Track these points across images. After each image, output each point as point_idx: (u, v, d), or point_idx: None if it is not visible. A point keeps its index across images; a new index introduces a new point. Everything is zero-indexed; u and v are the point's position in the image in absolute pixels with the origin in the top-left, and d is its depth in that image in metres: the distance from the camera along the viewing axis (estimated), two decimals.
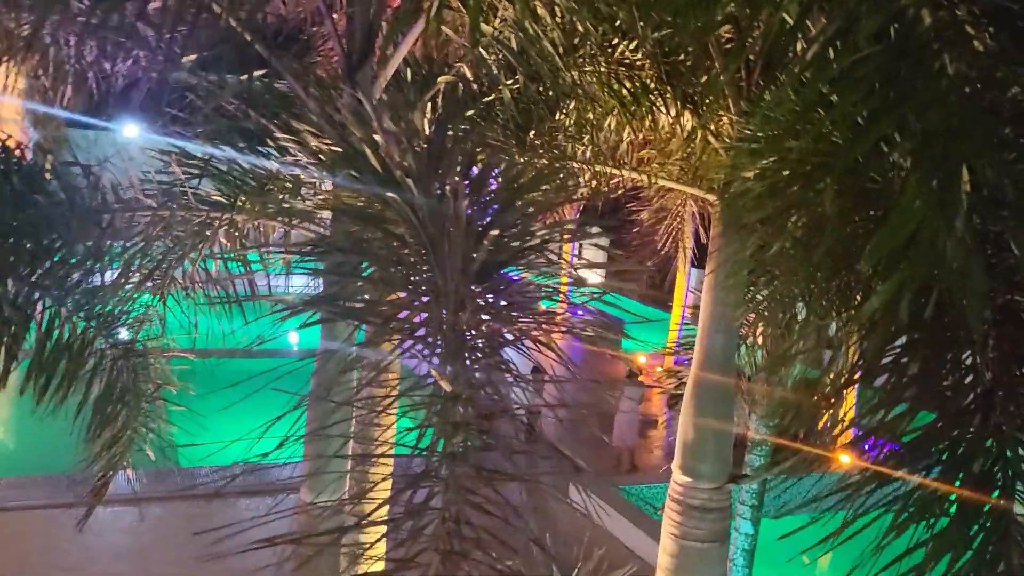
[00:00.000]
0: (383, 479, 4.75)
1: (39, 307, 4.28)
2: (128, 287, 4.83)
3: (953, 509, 3.27)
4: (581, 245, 21.20)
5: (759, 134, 4.59)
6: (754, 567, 8.25)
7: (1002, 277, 2.84)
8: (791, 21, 2.82)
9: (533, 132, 5.54)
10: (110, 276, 4.79)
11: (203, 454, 9.40)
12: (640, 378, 12.82)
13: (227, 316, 5.52)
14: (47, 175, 3.99)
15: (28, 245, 4.03)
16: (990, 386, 2.94)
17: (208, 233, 5.12)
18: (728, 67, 4.87)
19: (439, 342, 3.04)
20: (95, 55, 5.09)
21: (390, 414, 4.06)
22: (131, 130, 7.01)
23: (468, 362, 3.04)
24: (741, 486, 7.87)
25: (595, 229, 19.66)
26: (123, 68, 5.20)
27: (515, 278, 3.98)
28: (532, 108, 5.44)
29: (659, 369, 13.79)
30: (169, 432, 4.82)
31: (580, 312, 4.70)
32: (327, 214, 4.61)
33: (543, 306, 4.42)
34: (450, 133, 4.19)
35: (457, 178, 3.49)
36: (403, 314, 3.32)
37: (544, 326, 3.78)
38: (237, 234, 5.25)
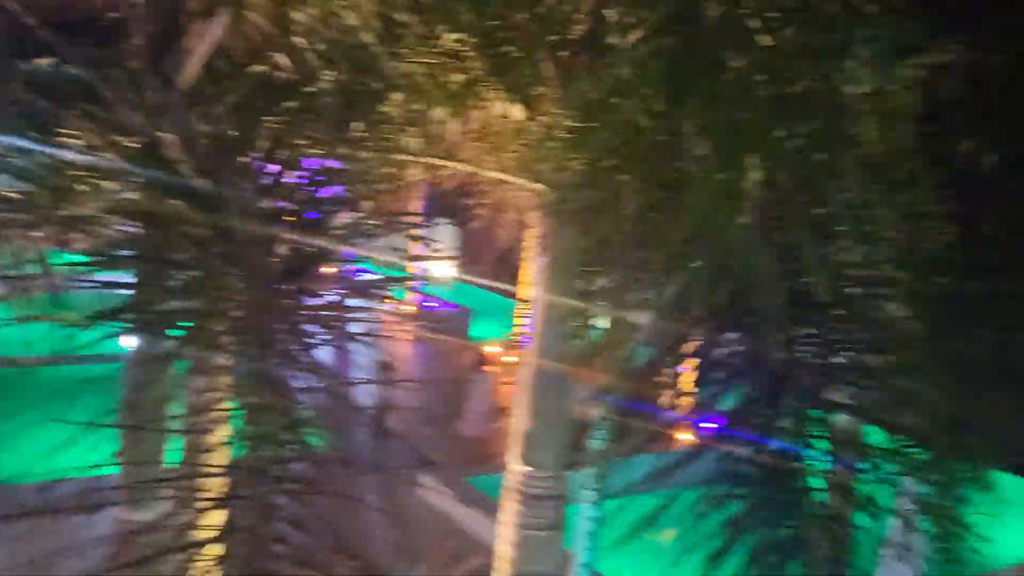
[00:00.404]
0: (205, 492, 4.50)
1: None
2: None
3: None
4: (431, 236, 21.07)
5: (578, 125, 4.64)
6: (601, 546, 8.43)
7: (792, 263, 2.98)
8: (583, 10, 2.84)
9: (358, 124, 5.38)
10: None
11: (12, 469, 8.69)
12: (488, 368, 12.89)
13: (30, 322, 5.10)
14: None
15: None
16: (786, 364, 3.10)
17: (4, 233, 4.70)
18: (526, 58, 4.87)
19: (243, 348, 2.88)
20: None
21: (214, 426, 3.83)
22: None
23: (275, 367, 2.90)
24: (583, 471, 8.01)
25: (443, 221, 19.59)
26: None
27: (356, 272, 3.85)
28: (356, 99, 5.28)
29: (508, 358, 13.92)
30: None
31: (427, 305, 4.56)
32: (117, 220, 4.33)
33: (391, 299, 4.27)
34: (262, 126, 4.00)
35: (261, 173, 3.32)
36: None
37: (378, 321, 3.67)
38: (35, 236, 4.84)
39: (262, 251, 2.80)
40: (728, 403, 4.05)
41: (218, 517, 4.15)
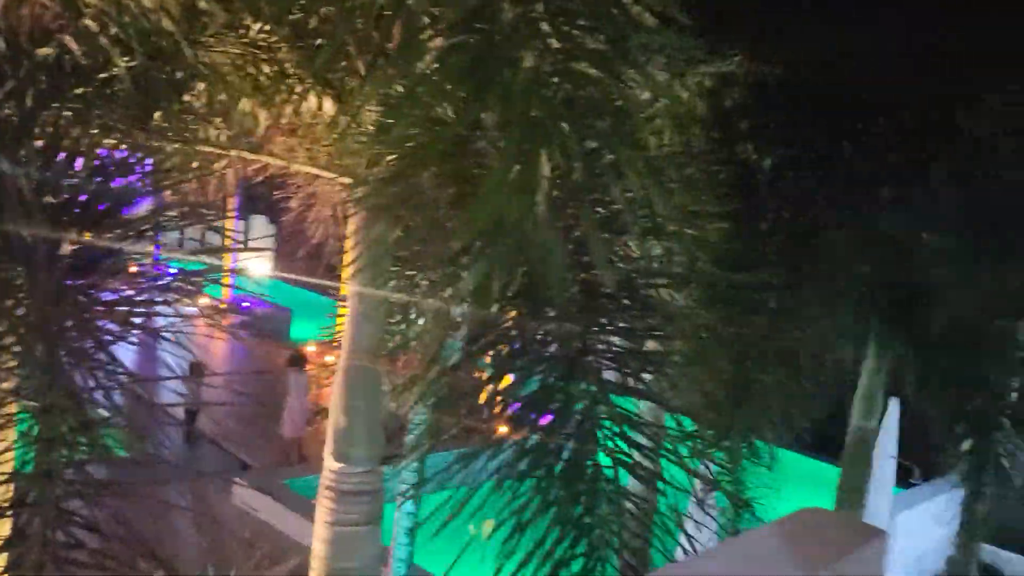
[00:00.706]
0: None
1: None
2: None
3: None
4: (247, 235, 20.33)
5: (388, 120, 4.69)
6: (420, 541, 8.51)
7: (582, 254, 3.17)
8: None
9: (159, 114, 5.17)
10: None
11: None
12: (307, 368, 12.65)
13: None
14: None
15: None
16: (578, 351, 3.28)
17: None
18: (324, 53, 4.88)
19: (28, 347, 2.73)
20: None
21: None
22: None
23: (64, 367, 2.76)
24: (400, 466, 8.06)
25: (258, 218, 18.97)
26: None
27: (169, 270, 3.72)
28: (155, 88, 5.06)
29: (327, 358, 13.71)
30: None
31: (243, 304, 4.45)
32: None
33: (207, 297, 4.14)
34: (46, 112, 3.79)
35: (47, 162, 3.17)
36: None
37: (187, 320, 3.57)
38: None
39: (47, 244, 2.67)
40: (527, 392, 4.20)
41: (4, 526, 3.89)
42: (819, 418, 8.67)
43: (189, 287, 3.75)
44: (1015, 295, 7.86)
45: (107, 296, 3.12)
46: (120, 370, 2.92)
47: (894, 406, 10.33)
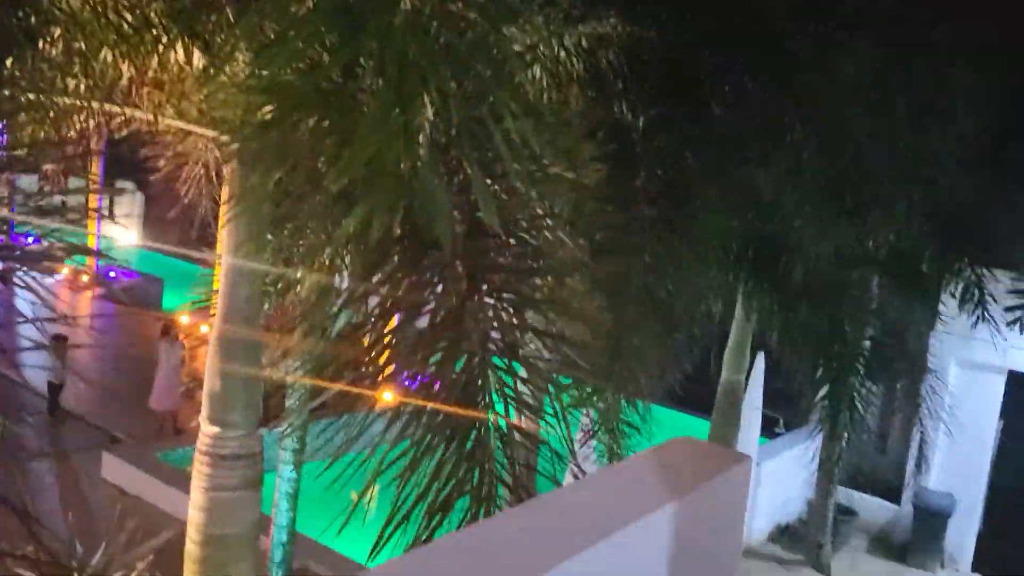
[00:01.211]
0: None
1: None
2: None
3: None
4: (112, 200, 19.32)
5: (261, 67, 4.55)
6: (303, 509, 8.41)
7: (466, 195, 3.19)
8: None
9: (11, 61, 4.84)
10: None
11: None
12: (179, 338, 12.19)
13: None
14: None
15: None
16: (462, 297, 3.31)
17: None
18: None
19: None
20: None
21: None
22: None
23: None
24: (284, 432, 7.93)
25: (124, 183, 18.05)
26: None
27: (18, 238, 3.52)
28: (8, 33, 4.73)
29: (201, 326, 13.27)
30: None
31: (109, 274, 4.25)
32: None
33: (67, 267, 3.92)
34: None
35: None
36: None
37: (63, 283, 3.36)
38: None
39: None
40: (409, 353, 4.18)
41: None
42: (689, 373, 9.05)
43: (51, 256, 3.58)
44: (869, 248, 8.40)
45: None
46: None
47: (759, 360, 10.87)
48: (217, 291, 6.64)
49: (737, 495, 2.93)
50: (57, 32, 4.99)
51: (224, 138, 5.84)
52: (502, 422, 3.79)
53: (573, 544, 2.02)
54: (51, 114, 5.29)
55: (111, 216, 13.55)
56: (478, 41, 3.10)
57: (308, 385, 7.90)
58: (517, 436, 3.86)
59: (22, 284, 3.35)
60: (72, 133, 5.43)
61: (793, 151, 6.37)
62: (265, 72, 4.38)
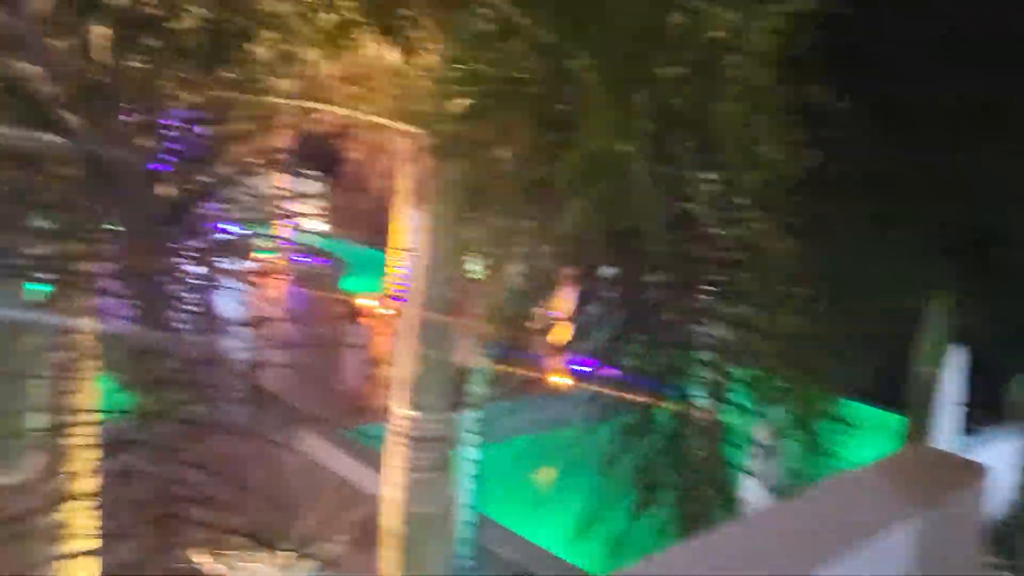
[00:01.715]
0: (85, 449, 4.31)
1: None
2: None
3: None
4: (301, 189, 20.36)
5: (460, 65, 4.62)
6: (485, 490, 8.63)
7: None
8: None
9: (226, 64, 5.16)
10: None
11: None
12: (362, 320, 12.79)
13: None
14: None
15: None
16: (667, 288, 3.25)
17: None
18: None
19: (129, 292, 2.77)
20: None
21: (85, 379, 3.67)
22: None
23: (164, 311, 2.80)
24: (465, 414, 8.14)
25: (312, 172, 19.03)
26: None
27: (218, 225, 3.72)
28: (223, 38, 5.05)
29: (382, 310, 13.84)
30: None
31: (299, 257, 4.46)
32: None
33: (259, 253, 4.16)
34: (127, 62, 3.80)
35: (134, 112, 3.17)
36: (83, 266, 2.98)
37: (258, 271, 3.58)
38: None
39: (140, 192, 2.68)
40: (598, 342, 4.17)
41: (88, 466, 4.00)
42: (883, 366, 8.54)
43: (250, 245, 3.78)
44: None
45: (190, 246, 3.13)
46: (208, 314, 2.94)
47: (958, 352, 10.14)
48: (407, 277, 6.87)
49: (978, 508, 2.74)
50: (267, 35, 5.28)
51: (418, 130, 6.02)
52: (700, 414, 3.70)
53: (825, 550, 1.95)
54: (258, 112, 5.61)
55: (302, 204, 14.28)
56: (684, 33, 3.02)
57: (490, 369, 8.10)
58: (714, 429, 3.77)
59: (225, 272, 3.56)
60: (274, 128, 5.74)
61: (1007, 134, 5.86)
62: (463, 65, 4.45)
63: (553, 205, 3.67)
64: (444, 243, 6.03)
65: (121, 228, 2.64)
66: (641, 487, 3.64)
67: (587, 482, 4.33)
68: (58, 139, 2.62)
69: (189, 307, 2.75)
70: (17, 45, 3.31)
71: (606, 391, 4.20)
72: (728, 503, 4.12)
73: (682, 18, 3.02)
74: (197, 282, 2.85)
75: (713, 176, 3.16)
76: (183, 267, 2.85)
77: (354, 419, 11.20)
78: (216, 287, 2.97)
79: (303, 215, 5.00)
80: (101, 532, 2.56)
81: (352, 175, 9.83)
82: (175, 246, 2.78)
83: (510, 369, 7.79)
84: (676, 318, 3.47)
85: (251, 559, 6.03)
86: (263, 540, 6.27)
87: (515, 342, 5.53)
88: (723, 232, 3.26)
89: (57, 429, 4.18)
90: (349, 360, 11.92)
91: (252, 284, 3.46)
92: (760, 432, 5.27)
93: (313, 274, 15.74)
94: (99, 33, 3.96)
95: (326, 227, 18.41)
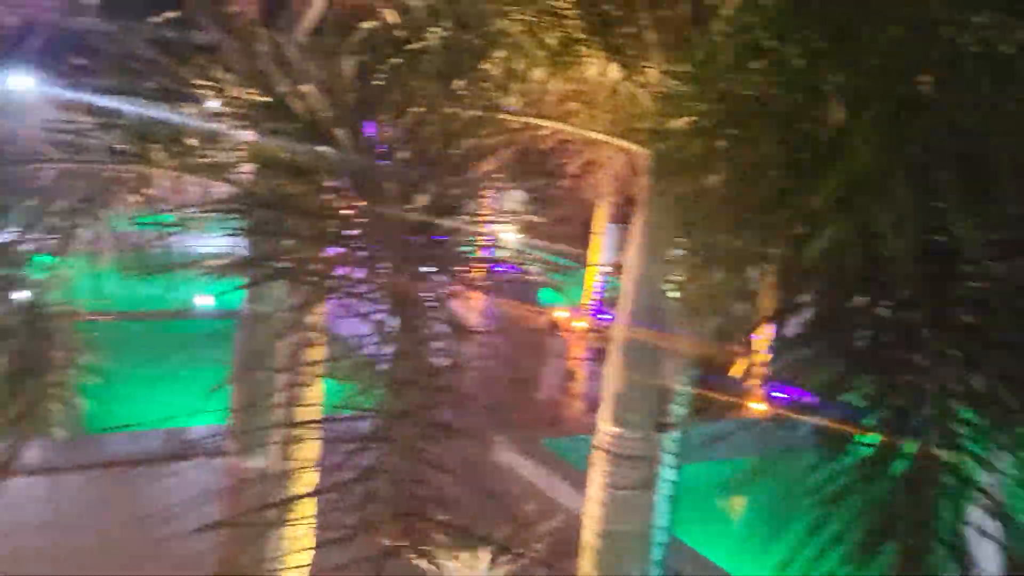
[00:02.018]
0: (309, 443, 4.60)
1: None
2: (29, 248, 4.53)
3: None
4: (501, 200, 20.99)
5: (689, 82, 4.57)
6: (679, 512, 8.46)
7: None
8: None
9: (460, 82, 5.38)
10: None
11: (120, 420, 9.04)
12: (559, 332, 12.93)
13: (140, 279, 5.26)
14: None
15: None
16: (916, 330, 3.02)
17: (116, 190, 4.82)
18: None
19: (382, 298, 2.92)
20: None
21: (320, 376, 3.91)
22: (22, 81, 6.52)
23: (411, 317, 2.94)
24: (666, 434, 8.01)
25: (519, 187, 19.57)
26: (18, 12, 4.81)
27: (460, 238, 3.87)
28: (459, 57, 5.27)
29: (577, 324, 13.95)
30: (83, 401, 4.57)
31: (502, 268, 4.58)
32: (246, 169, 4.38)
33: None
34: (378, 82, 4.03)
35: (391, 128, 3.35)
36: (338, 271, 3.18)
37: (480, 281, 3.69)
38: (148, 191, 4.96)
39: (398, 202, 2.82)
40: (812, 372, 3.95)
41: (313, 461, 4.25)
42: None
43: (461, 256, 3.87)
44: None
45: (437, 255, 3.25)
46: (457, 323, 3.04)
47: None
48: (608, 292, 6.85)
49: None
50: (499, 53, 5.47)
51: (637, 147, 6.03)
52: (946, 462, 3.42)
53: None
54: (492, 128, 5.81)
55: (503, 215, 14.66)
56: (960, 52, 2.80)
57: (693, 389, 7.94)
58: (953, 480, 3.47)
59: (437, 281, 3.66)
60: (505, 145, 5.91)
61: None
62: (694, 83, 4.38)
63: (790, 229, 3.53)
64: (656, 261, 5.98)
65: (377, 236, 2.79)
66: (863, 533, 3.40)
67: (783, 514, 4.11)
68: (325, 150, 2.81)
69: (436, 315, 2.87)
70: (288, 67, 3.58)
71: (812, 421, 3.96)
72: (961, 566, 3.76)
73: (960, 36, 2.81)
74: (443, 291, 2.96)
75: (981, 208, 2.92)
76: (431, 275, 2.97)
77: (549, 430, 11.35)
78: (458, 296, 3.08)
79: (513, 226, 5.12)
80: (346, 525, 2.70)
81: (558, 189, 9.98)
82: (426, 255, 2.91)
83: (712, 392, 7.61)
84: (920, 358, 3.22)
85: (455, 558, 6.23)
86: (471, 541, 6.46)
87: (720, 364, 5.40)
88: (986, 271, 3.00)
89: (293, 422, 4.49)
90: (545, 372, 12.09)
91: (479, 293, 3.58)
92: (998, 488, 4.83)
93: (511, 283, 16.07)
94: (353, 54, 4.25)
95: (529, 239, 18.85)
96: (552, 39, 5.65)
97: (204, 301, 13.80)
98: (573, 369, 12.73)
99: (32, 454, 8.44)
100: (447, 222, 3.31)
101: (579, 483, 9.80)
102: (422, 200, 2.84)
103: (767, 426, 4.31)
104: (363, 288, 2.95)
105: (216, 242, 4.11)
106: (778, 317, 3.72)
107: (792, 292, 3.78)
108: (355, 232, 2.97)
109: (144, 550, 8.40)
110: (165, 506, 9.30)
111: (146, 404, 8.37)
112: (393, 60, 5.01)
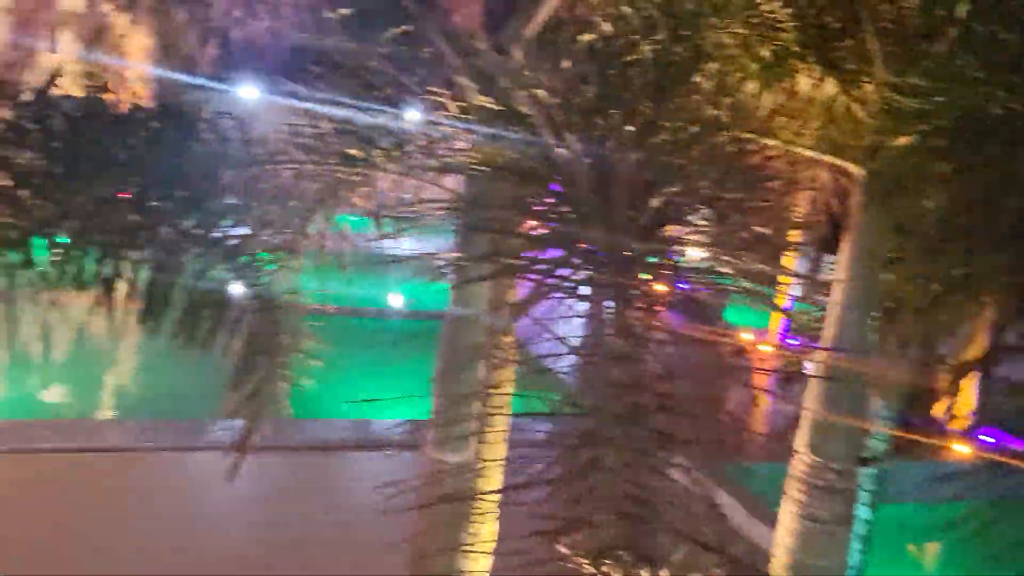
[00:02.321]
0: (501, 441, 4.71)
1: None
2: (266, 241, 4.92)
3: None
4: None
5: (914, 101, 4.36)
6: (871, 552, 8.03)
7: None
8: None
9: (670, 95, 5.37)
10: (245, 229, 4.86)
11: (326, 407, 9.63)
12: (745, 355, 12.55)
13: (357, 275, 5.60)
14: (202, 124, 4.07)
15: (182, 194, 4.13)
16: None
17: (344, 191, 5.16)
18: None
19: (606, 300, 2.96)
20: (239, 14, 5.16)
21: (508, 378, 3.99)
22: (251, 91, 7.10)
23: (634, 321, 2.96)
24: (864, 470, 7.62)
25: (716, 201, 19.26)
26: (264, 27, 5.26)
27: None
28: (670, 70, 5.27)
29: (764, 347, 13.48)
30: (304, 386, 4.91)
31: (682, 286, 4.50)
32: (466, 171, 4.57)
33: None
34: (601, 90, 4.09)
35: (621, 133, 3.39)
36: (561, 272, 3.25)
37: (699, 290, 3.67)
38: (370, 192, 5.27)
39: (627, 208, 2.85)
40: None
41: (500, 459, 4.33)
42: None
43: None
44: None
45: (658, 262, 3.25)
46: (676, 331, 3.04)
47: None
48: (807, 317, 6.59)
49: None
50: (711, 67, 5.42)
51: (850, 165, 5.78)
52: None
53: None
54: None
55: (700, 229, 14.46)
56: None
57: (893, 427, 7.50)
58: None
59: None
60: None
61: None
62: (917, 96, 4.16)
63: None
64: (865, 287, 5.72)
65: (602, 238, 2.83)
66: None
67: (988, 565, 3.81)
68: (563, 152, 2.89)
69: (654, 321, 2.88)
70: (517, 74, 3.71)
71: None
72: None
73: None
74: (661, 298, 2.96)
75: None
76: (649, 283, 2.98)
77: (732, 455, 11.00)
78: (679, 304, 3.08)
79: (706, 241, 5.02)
80: (561, 516, 2.76)
81: (756, 205, 9.70)
82: (647, 262, 2.93)
83: (913, 430, 7.15)
84: None
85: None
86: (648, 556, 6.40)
87: (924, 401, 5.07)
88: None
89: (486, 420, 4.61)
90: (730, 394, 11.77)
91: (669, 306, 3.55)
92: None
93: (695, 302, 15.76)
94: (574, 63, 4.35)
95: (720, 255, 18.43)
96: (766, 51, 5.55)
97: (396, 300, 14.48)
98: (757, 394, 12.29)
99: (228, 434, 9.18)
100: (666, 232, 3.31)
101: (762, 512, 9.48)
102: (651, 206, 2.86)
103: (972, 471, 4.03)
104: (585, 289, 3.01)
105: (428, 243, 4.32)
106: (991, 359, 3.47)
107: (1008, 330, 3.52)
108: (578, 234, 3.03)
109: (338, 533, 8.90)
110: (360, 492, 9.90)
111: (345, 394, 8.87)
112: (609, 71, 5.09)
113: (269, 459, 9.88)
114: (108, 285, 3.86)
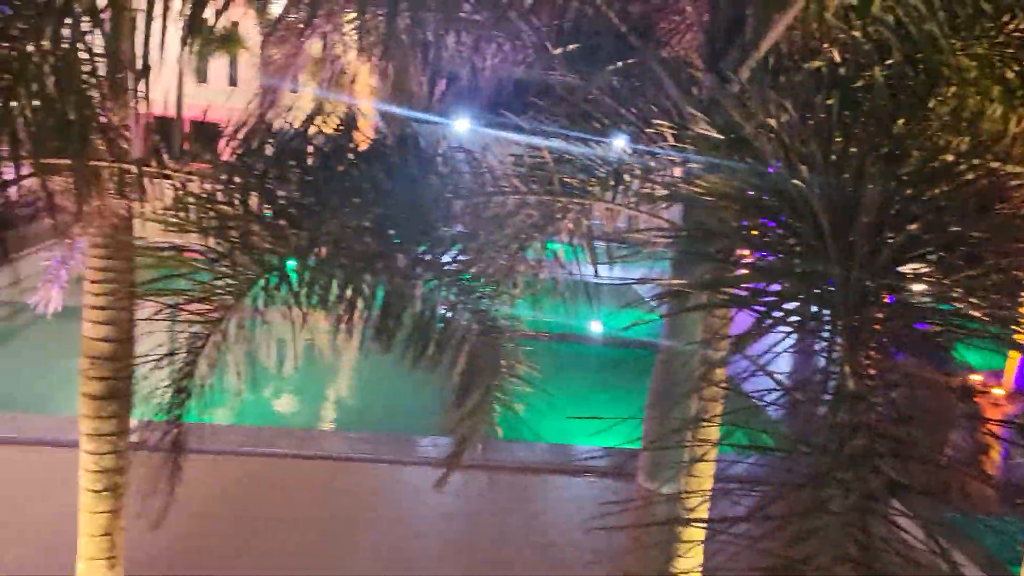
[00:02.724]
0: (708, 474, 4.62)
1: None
2: (486, 267, 5.13)
3: None
4: None
5: None
6: None
7: None
8: None
9: (901, 122, 5.10)
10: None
11: (529, 429, 9.87)
12: (974, 399, 11.56)
13: (569, 302, 5.71)
14: (438, 158, 4.33)
15: (416, 223, 4.41)
16: None
17: (559, 219, 5.29)
18: None
19: (836, 337, 2.87)
20: (467, 51, 5.44)
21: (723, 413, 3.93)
22: (463, 124, 7.43)
23: (868, 361, 2.85)
24: None
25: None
26: (490, 64, 5.51)
27: None
28: (900, 95, 5.01)
29: (995, 391, 12.37)
30: (518, 408, 5.07)
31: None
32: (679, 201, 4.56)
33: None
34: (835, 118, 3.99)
35: (862, 164, 3.29)
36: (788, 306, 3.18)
37: (937, 331, 3.49)
38: (586, 221, 5.38)
39: (867, 242, 2.75)
40: None
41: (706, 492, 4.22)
42: None
43: None
44: None
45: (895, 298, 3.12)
46: (913, 375, 2.89)
47: None
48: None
49: None
50: (949, 91, 5.09)
51: None
52: None
53: None
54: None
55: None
56: None
57: None
58: None
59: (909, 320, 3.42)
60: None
61: None
62: None
63: None
64: None
65: (838, 274, 2.75)
66: None
67: None
68: (796, 182, 2.83)
69: (889, 363, 2.75)
70: (746, 104, 3.68)
71: None
72: None
73: None
74: (901, 340, 2.83)
75: None
76: (886, 320, 2.86)
77: (967, 506, 10.15)
78: (918, 345, 2.94)
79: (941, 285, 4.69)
80: (781, 554, 2.68)
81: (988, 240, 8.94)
82: (885, 298, 2.81)
83: None
84: None
85: None
86: None
87: None
88: None
89: (697, 452, 4.54)
90: (956, 438, 10.86)
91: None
92: None
93: (936, 343, 14.62)
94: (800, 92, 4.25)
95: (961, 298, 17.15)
96: (1012, 73, 5.15)
97: (596, 328, 14.57)
98: (985, 441, 11.26)
99: (437, 449, 9.52)
100: (906, 270, 3.17)
101: (1000, 573, 8.68)
102: (892, 243, 2.76)
103: None
104: (812, 324, 2.93)
105: (642, 272, 4.35)
106: None
107: None
108: (811, 268, 2.96)
109: (536, 556, 9.04)
110: (560, 514, 10.03)
111: (548, 419, 9.03)
112: (834, 99, 4.92)
113: (473, 476, 10.21)
114: (349, 306, 4.18)
